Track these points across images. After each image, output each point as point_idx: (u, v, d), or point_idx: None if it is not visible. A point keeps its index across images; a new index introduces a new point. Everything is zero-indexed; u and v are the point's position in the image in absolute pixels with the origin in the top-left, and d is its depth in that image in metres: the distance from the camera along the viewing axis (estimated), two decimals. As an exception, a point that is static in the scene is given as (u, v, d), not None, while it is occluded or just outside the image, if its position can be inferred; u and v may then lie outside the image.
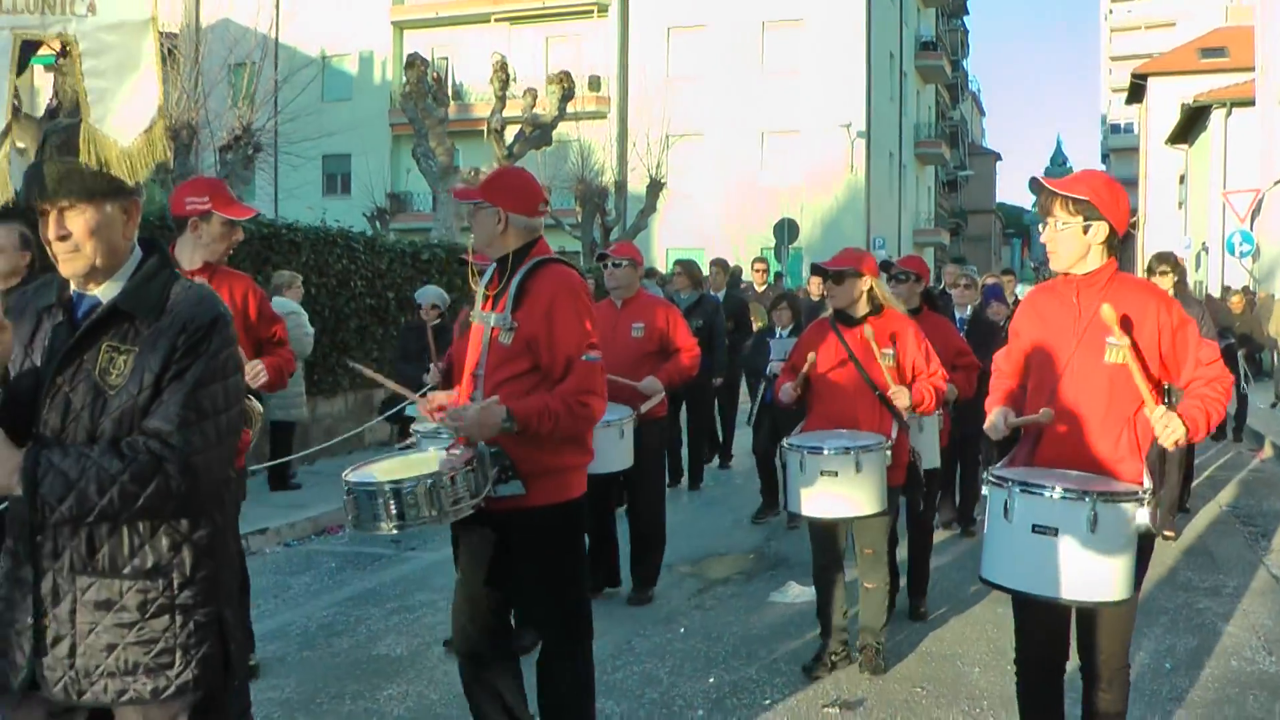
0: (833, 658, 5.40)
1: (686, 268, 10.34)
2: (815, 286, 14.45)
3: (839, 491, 5.02)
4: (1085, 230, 3.59)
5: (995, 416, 3.70)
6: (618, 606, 6.65)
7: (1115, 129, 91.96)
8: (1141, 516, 3.37)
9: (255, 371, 4.56)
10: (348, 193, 37.93)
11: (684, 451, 10.57)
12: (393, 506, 3.50)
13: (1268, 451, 12.73)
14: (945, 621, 6.32)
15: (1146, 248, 44.11)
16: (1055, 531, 3.34)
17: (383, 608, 6.75)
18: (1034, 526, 3.36)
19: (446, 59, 38.44)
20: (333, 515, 8.97)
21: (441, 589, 6.67)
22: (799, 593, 6.69)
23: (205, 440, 2.49)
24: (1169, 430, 3.37)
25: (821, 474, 5.03)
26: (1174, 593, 6.96)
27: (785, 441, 5.28)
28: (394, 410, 8.59)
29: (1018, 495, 3.41)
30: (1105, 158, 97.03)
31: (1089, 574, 3.34)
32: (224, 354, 2.59)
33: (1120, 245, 3.69)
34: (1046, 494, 3.36)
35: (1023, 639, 3.78)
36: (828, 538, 5.41)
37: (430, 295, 10.07)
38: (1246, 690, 5.29)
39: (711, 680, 5.41)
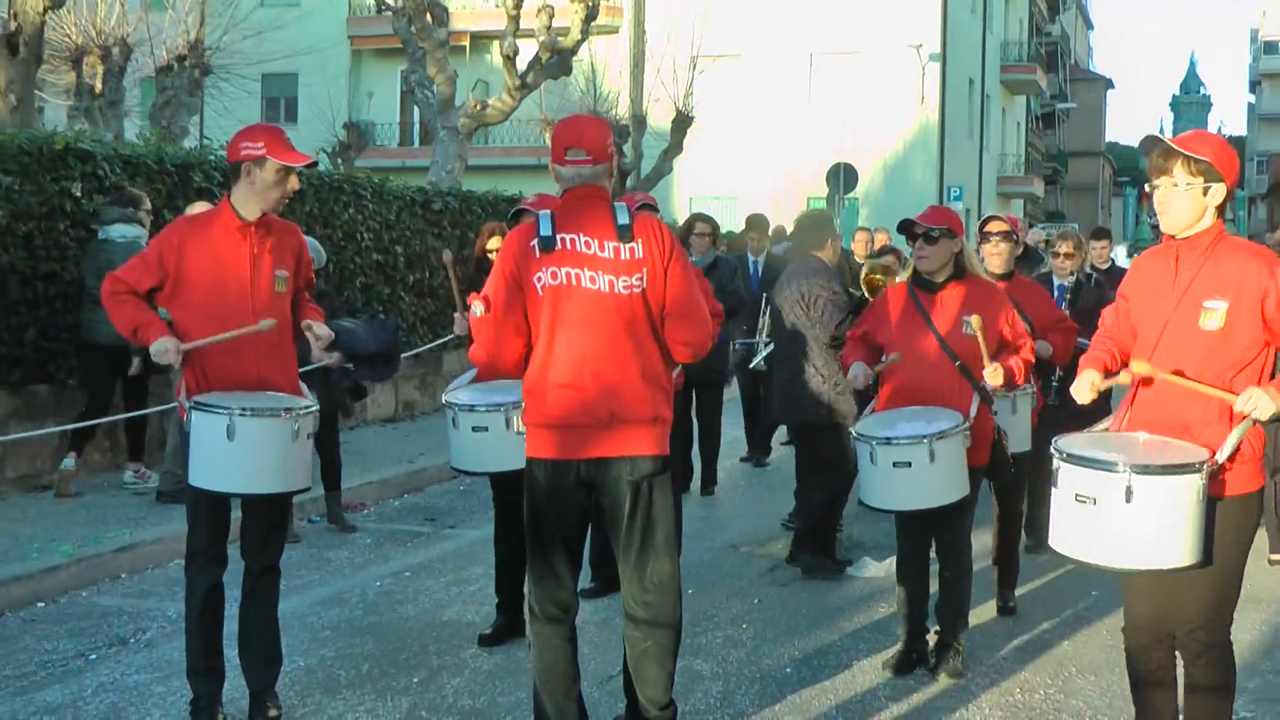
0: (914, 655, 6.61)
1: (712, 224, 11.63)
2: (862, 245, 15.68)
3: (913, 483, 6.17)
4: (1205, 192, 4.52)
5: (1084, 381, 4.79)
6: (687, 584, 8.17)
7: (1270, 48, 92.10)
8: (1199, 481, 4.40)
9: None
10: (294, 121, 39.42)
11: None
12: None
13: None
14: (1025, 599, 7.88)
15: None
16: (1094, 501, 4.43)
17: (438, 580, 8.33)
18: (1076, 496, 4.49)
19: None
20: (356, 492, 10.61)
21: (492, 565, 8.13)
22: (876, 569, 8.22)
23: None
24: (1251, 406, 4.42)
25: (894, 465, 6.14)
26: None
27: (854, 430, 6.52)
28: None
29: (1063, 465, 4.56)
30: (1255, 85, 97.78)
31: (1132, 540, 4.43)
32: None
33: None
34: (1097, 468, 4.50)
35: (1128, 611, 4.86)
36: (912, 527, 6.62)
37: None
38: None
39: (796, 643, 6.98)
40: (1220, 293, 4.54)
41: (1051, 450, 4.65)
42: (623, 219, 5.01)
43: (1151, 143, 4.67)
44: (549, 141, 18.73)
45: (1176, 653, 4.82)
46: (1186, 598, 4.64)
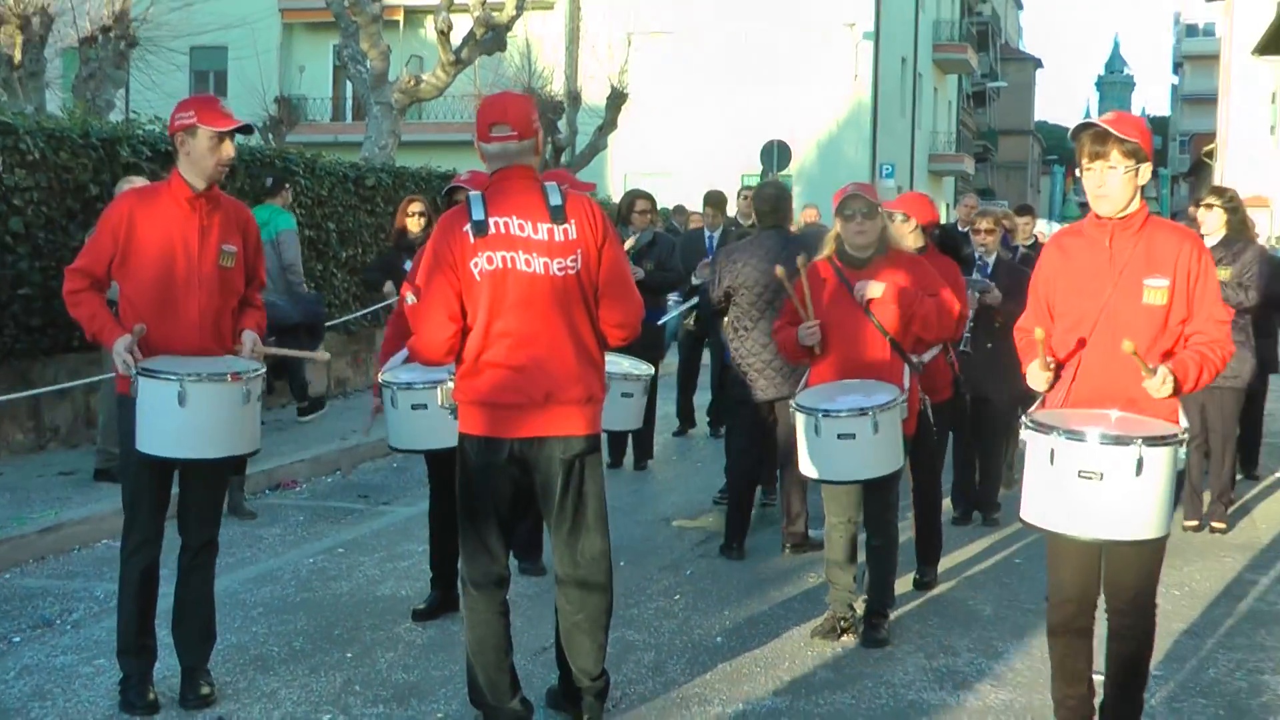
0: (842, 623, 6.71)
1: (651, 201, 11.75)
2: (812, 216, 16.09)
3: (857, 454, 6.31)
4: (1136, 173, 4.69)
5: (1036, 369, 4.87)
6: (620, 556, 8.24)
7: (1192, 31, 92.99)
8: (1182, 454, 4.64)
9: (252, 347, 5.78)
10: (223, 95, 38.99)
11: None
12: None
13: None
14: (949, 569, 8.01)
15: (1226, 178, 45.96)
16: (1101, 476, 4.48)
17: (372, 556, 8.33)
18: (1080, 472, 4.51)
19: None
20: (288, 469, 10.65)
21: (427, 541, 8.15)
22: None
23: None
24: (1162, 390, 4.65)
25: (838, 437, 6.31)
26: (1202, 546, 8.77)
27: (793, 402, 6.55)
28: None
29: (1063, 442, 4.57)
30: (1178, 67, 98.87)
31: (1131, 513, 4.58)
32: None
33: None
34: (1088, 440, 4.57)
35: (1056, 580, 5.01)
36: (843, 496, 6.71)
37: None
38: (1259, 625, 7.02)
39: (726, 613, 7.06)
40: (1160, 271, 4.75)
41: (1034, 428, 4.72)
42: (555, 200, 5.05)
43: (1087, 127, 4.78)
44: (481, 118, 18.39)
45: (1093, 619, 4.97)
46: (1126, 565, 4.81)
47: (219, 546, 5.91)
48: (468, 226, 5.00)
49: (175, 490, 5.75)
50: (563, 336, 5.07)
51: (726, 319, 8.66)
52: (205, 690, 5.68)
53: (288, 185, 12.56)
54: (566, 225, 5.04)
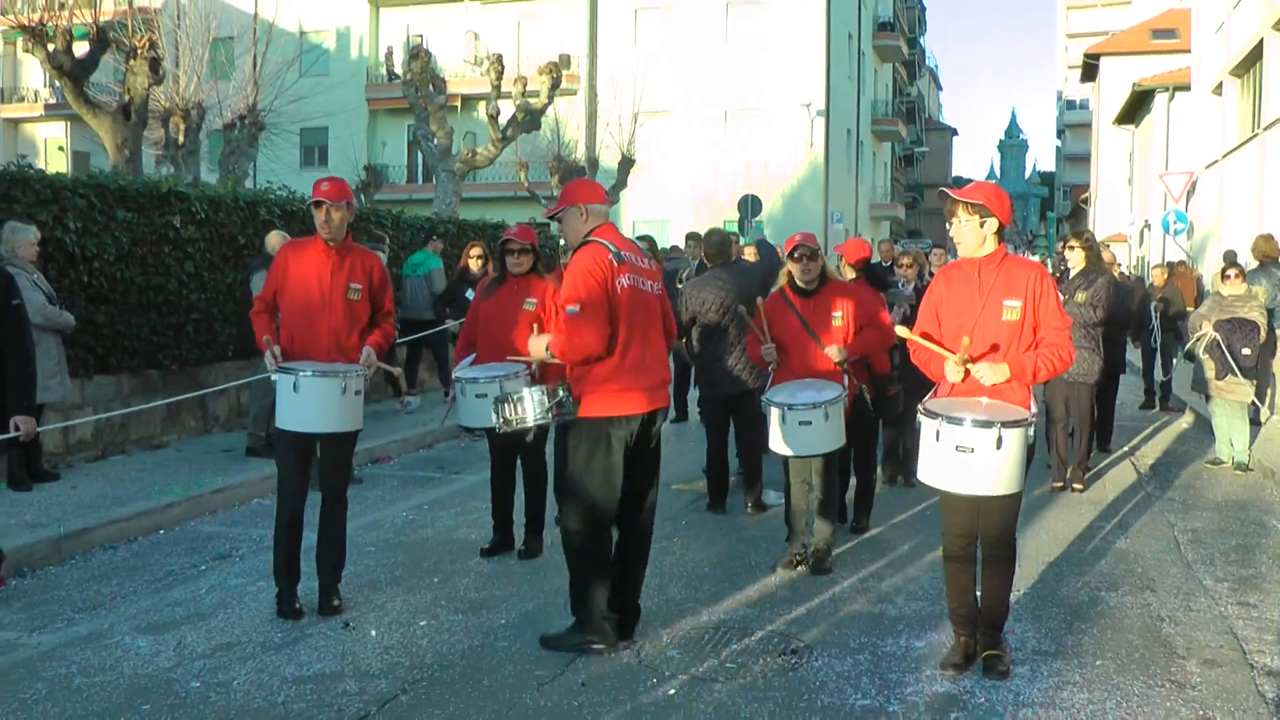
0: (797, 558, 7.11)
1: (652, 242, 12.10)
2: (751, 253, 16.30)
3: (813, 435, 6.72)
4: (981, 225, 5.10)
5: (951, 365, 5.13)
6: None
7: (1071, 105, 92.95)
8: (1030, 433, 5.03)
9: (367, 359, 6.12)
10: (325, 164, 39.52)
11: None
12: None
13: (1187, 418, 14.16)
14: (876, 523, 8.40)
15: (1098, 222, 46.35)
16: (972, 450, 4.88)
17: (449, 511, 8.72)
18: (957, 447, 5.00)
19: (422, 37, 40.02)
20: (385, 447, 11.03)
21: (488, 500, 8.47)
22: (775, 498, 8.68)
23: None
24: (995, 374, 5.04)
25: (800, 424, 6.73)
26: (1064, 501, 9.16)
27: (764, 397, 6.94)
28: None
29: (945, 425, 4.94)
30: (1061, 133, 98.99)
31: (993, 476, 4.94)
32: None
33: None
34: (964, 424, 4.93)
35: (948, 523, 5.39)
36: (800, 466, 7.10)
37: None
38: (1100, 558, 7.42)
39: (711, 551, 7.46)
40: (1015, 294, 5.09)
41: (925, 414, 5.04)
42: (641, 245, 5.60)
43: (943, 195, 5.21)
44: (524, 179, 19.43)
45: (975, 550, 5.32)
46: (993, 511, 5.15)
47: (347, 502, 6.29)
48: (611, 256, 5.30)
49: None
50: (662, 338, 5.59)
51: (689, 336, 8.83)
52: (336, 603, 6.12)
53: (436, 237, 14.10)
54: (652, 261, 5.60)
